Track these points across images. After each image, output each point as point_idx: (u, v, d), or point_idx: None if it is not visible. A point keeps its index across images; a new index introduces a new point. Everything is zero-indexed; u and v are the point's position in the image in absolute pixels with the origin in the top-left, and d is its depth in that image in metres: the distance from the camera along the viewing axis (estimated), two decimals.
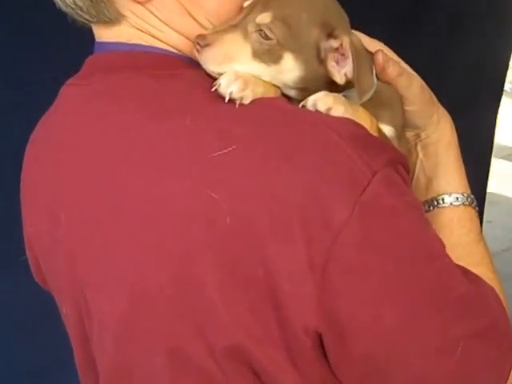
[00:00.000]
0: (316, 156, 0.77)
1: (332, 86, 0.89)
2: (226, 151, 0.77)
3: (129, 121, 0.86)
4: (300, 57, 0.87)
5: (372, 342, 0.78)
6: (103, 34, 0.96)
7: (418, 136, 1.01)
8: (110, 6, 0.92)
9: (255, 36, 0.87)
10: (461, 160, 1.01)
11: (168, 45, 0.93)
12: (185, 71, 0.89)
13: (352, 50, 0.87)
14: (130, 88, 0.89)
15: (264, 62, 0.87)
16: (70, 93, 0.98)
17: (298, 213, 0.75)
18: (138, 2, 0.91)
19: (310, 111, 0.83)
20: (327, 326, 0.78)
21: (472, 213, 0.99)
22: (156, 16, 0.93)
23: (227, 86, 0.81)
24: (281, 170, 0.77)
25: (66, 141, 0.95)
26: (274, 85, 0.89)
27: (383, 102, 0.94)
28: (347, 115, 0.83)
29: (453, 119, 1.02)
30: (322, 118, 0.81)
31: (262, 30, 0.86)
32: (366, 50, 0.93)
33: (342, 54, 0.88)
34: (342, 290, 0.76)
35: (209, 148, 0.79)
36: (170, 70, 0.89)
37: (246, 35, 0.87)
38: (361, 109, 0.88)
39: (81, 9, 0.92)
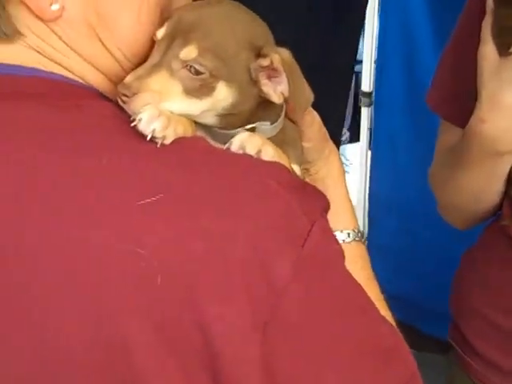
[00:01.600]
0: (254, 205, 0.72)
1: (258, 109, 0.87)
2: (153, 199, 0.70)
3: (31, 160, 0.75)
4: (233, 84, 0.83)
5: None
6: None
7: (306, 170, 0.99)
8: (7, 21, 0.82)
9: (183, 73, 0.82)
10: (348, 195, 1.01)
11: (71, 72, 0.84)
12: (92, 102, 0.82)
13: (284, 66, 0.83)
14: (29, 120, 0.78)
15: (196, 96, 0.82)
16: None
17: (238, 269, 0.70)
18: (41, 20, 0.82)
19: (238, 154, 0.79)
20: None
21: (362, 248, 0.97)
22: (60, 38, 0.83)
23: (149, 123, 0.75)
24: (217, 222, 0.71)
25: None
26: (191, 121, 0.84)
27: (288, 140, 0.91)
28: (276, 158, 0.81)
29: None
30: (255, 163, 0.78)
31: (191, 66, 0.81)
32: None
33: (274, 72, 0.84)
34: (284, 352, 0.72)
35: (131, 194, 0.71)
36: (74, 101, 0.81)
37: (171, 73, 0.81)
38: (279, 149, 0.85)
39: None
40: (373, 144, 2.61)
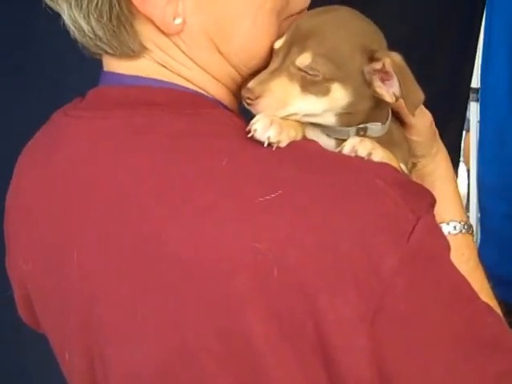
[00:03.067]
0: (363, 203, 0.77)
1: (376, 109, 0.93)
2: (272, 196, 0.75)
3: (158, 159, 0.81)
4: (348, 85, 0.89)
5: None
6: (119, 65, 0.90)
7: (414, 165, 1.04)
8: (134, 38, 0.86)
9: (301, 76, 0.88)
10: (458, 192, 1.04)
11: (191, 83, 0.89)
12: (211, 111, 0.87)
13: (395, 69, 0.89)
14: (156, 126, 0.84)
15: (314, 94, 0.89)
16: (78, 125, 0.90)
17: (348, 262, 0.74)
18: (165, 34, 0.86)
19: (348, 156, 0.84)
20: (379, 381, 0.77)
21: (469, 240, 1.00)
22: (182, 50, 0.88)
23: (264, 131, 0.81)
24: (329, 218, 0.75)
25: (81, 175, 0.87)
26: (301, 125, 0.90)
27: (394, 141, 0.96)
28: (385, 159, 0.86)
29: None
30: (364, 164, 0.83)
31: (308, 70, 0.88)
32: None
33: (386, 74, 0.90)
34: (391, 341, 0.76)
35: (251, 192, 0.76)
36: (196, 109, 0.86)
37: (290, 77, 0.88)
38: (387, 150, 0.90)
39: (100, 39, 0.86)
40: (480, 136, 2.66)
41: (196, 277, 0.76)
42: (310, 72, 0.87)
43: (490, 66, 2.50)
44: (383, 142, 0.91)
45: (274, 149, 0.80)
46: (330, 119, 0.91)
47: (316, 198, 0.76)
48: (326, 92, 0.88)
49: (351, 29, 0.92)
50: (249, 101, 0.87)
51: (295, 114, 0.89)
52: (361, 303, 0.74)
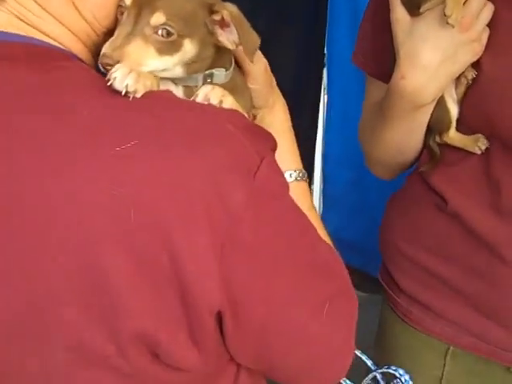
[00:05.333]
0: (215, 146, 0.83)
1: (218, 56, 1.00)
2: (128, 145, 0.79)
3: (18, 116, 0.82)
4: (195, 38, 0.95)
5: (265, 314, 0.86)
6: None
7: (254, 118, 1.09)
8: None
9: (155, 37, 0.92)
10: (294, 142, 1.10)
11: (47, 35, 0.91)
12: (69, 64, 0.89)
13: (232, 20, 0.96)
14: (12, 84, 0.84)
15: (169, 54, 0.93)
16: None
17: (200, 199, 0.80)
18: None
19: (201, 103, 0.91)
20: (227, 305, 0.83)
21: (304, 186, 1.09)
22: (38, 3, 0.89)
23: (123, 80, 0.84)
24: (182, 162, 0.81)
25: None
26: (156, 76, 0.94)
27: (238, 88, 1.03)
28: (234, 106, 0.93)
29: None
30: (216, 111, 0.89)
31: (162, 29, 0.92)
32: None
33: (225, 23, 0.97)
34: (239, 268, 0.83)
35: (110, 142, 0.80)
36: (54, 63, 0.88)
37: (146, 39, 0.92)
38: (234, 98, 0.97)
39: None
40: (326, 104, 2.67)
41: (56, 224, 0.80)
42: (168, 29, 0.92)
43: (334, 35, 2.51)
44: (228, 89, 0.97)
45: (131, 99, 0.83)
46: (178, 70, 0.97)
47: (171, 143, 0.81)
48: (178, 49, 0.94)
49: None
50: (109, 67, 0.89)
51: (151, 72, 0.93)
52: (212, 233, 0.80)
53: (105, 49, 0.91)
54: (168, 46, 0.93)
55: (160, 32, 0.92)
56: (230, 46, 0.98)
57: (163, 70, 0.95)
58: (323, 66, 2.58)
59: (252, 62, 1.00)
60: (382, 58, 1.36)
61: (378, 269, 1.55)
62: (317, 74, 2.55)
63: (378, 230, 1.52)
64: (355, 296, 0.96)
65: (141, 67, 0.91)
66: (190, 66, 0.98)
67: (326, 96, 2.65)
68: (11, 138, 0.82)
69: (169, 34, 0.93)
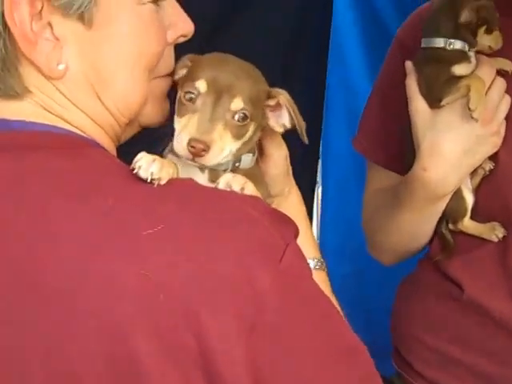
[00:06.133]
0: (240, 230, 0.84)
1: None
2: (155, 229, 0.80)
3: (46, 202, 0.84)
4: (257, 122, 1.01)
5: None
6: (3, 109, 0.93)
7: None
8: (19, 80, 0.91)
9: (232, 121, 0.97)
10: (312, 231, 1.11)
11: (71, 124, 0.94)
12: (91, 151, 0.92)
13: (286, 103, 1.02)
14: (42, 171, 0.86)
15: (238, 138, 0.98)
16: None
17: (228, 283, 0.81)
18: (48, 78, 0.91)
19: (223, 190, 0.93)
20: None
21: (323, 275, 1.10)
22: (63, 94, 0.93)
23: (148, 167, 0.86)
24: (210, 244, 0.82)
25: None
26: (175, 162, 0.95)
27: (257, 176, 1.05)
28: (255, 193, 0.95)
29: None
30: (239, 197, 0.91)
31: (240, 114, 0.97)
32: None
33: (277, 109, 1.02)
34: (266, 352, 0.82)
35: (136, 227, 0.81)
36: (77, 150, 0.90)
37: (225, 124, 0.96)
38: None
39: None
40: (322, 197, 2.63)
41: (82, 307, 0.80)
42: (241, 115, 0.96)
43: (330, 124, 2.51)
44: (248, 176, 0.98)
45: (155, 186, 0.85)
46: (232, 154, 1.00)
47: (195, 229, 0.82)
48: (245, 133, 0.99)
49: (253, 73, 1.02)
50: (203, 152, 0.94)
51: (225, 156, 0.98)
52: (239, 318, 0.80)
53: (191, 134, 0.95)
54: (240, 130, 0.98)
55: (237, 117, 0.97)
56: (279, 129, 1.03)
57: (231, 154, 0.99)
58: (318, 158, 2.56)
59: (306, 142, 1.02)
60: (389, 145, 1.38)
61: (381, 365, 1.50)
62: (311, 167, 2.53)
63: (376, 325, 1.50)
64: (381, 382, 0.95)
65: (222, 152, 0.96)
66: (240, 149, 1.01)
67: (319, 189, 2.63)
68: (50, 221, 0.83)
69: (244, 118, 0.97)
